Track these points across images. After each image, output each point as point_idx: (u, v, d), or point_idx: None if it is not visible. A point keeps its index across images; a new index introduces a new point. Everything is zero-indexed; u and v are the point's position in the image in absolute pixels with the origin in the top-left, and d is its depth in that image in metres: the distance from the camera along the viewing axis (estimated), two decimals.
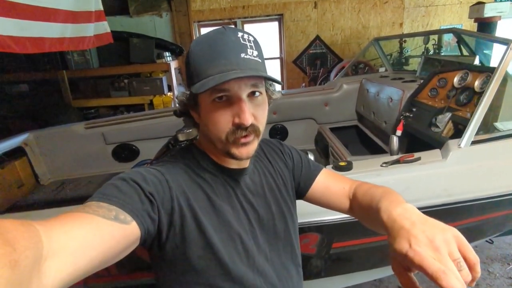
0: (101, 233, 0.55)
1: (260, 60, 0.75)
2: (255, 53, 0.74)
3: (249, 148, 0.76)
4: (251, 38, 0.75)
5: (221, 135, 0.74)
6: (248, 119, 0.71)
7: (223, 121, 0.72)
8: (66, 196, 2.57)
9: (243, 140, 0.74)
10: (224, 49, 0.71)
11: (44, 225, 0.48)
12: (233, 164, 0.83)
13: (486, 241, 2.19)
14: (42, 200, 2.53)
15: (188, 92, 0.76)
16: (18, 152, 2.66)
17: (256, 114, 0.74)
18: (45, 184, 2.82)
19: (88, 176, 2.92)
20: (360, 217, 0.88)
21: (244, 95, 0.72)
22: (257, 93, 0.74)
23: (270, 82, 0.80)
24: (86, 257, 0.51)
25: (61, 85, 4.23)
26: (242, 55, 0.71)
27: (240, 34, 0.73)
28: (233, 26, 0.78)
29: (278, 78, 5.61)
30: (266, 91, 0.80)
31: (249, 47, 0.73)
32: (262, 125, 0.77)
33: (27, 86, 4.44)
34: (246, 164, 0.87)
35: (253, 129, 0.74)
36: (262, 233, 0.84)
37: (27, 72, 4.30)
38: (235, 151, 0.75)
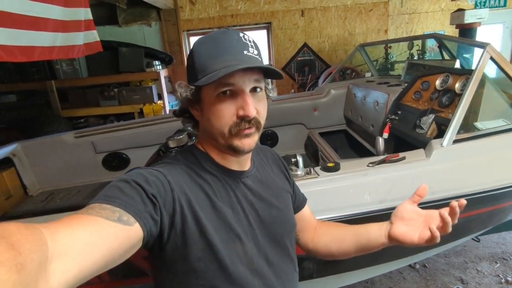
0: (105, 234, 0.55)
1: (260, 59, 0.79)
2: (256, 52, 0.79)
3: (251, 140, 0.79)
4: (251, 39, 0.80)
5: (224, 128, 0.76)
6: (253, 111, 0.74)
7: (228, 113, 0.75)
8: (55, 207, 2.54)
9: (246, 132, 0.76)
10: (228, 46, 0.75)
11: (48, 227, 0.48)
12: (234, 165, 0.84)
13: (473, 239, 2.24)
14: (30, 211, 2.49)
15: (193, 87, 0.78)
16: (6, 163, 2.63)
17: (258, 108, 0.77)
18: (33, 195, 2.79)
19: (78, 186, 2.89)
20: (328, 244, 1.02)
21: (247, 89, 0.75)
22: (258, 89, 0.78)
23: (268, 81, 0.84)
24: (91, 258, 0.51)
25: (49, 95, 4.20)
26: (245, 52, 0.76)
27: (241, 35, 0.78)
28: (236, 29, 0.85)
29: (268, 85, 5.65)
30: (265, 89, 0.83)
31: (250, 46, 0.78)
32: (263, 119, 0.80)
33: (14, 97, 4.39)
34: (247, 166, 0.88)
35: (255, 122, 0.77)
36: (263, 236, 0.84)
37: (14, 83, 4.26)
38: (238, 143, 0.77)
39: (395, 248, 1.76)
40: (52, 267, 0.44)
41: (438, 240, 0.78)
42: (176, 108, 0.89)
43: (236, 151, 0.79)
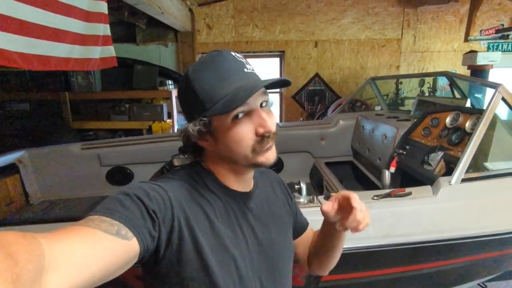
0: (102, 247, 0.55)
1: (256, 72, 0.80)
2: (251, 67, 0.78)
3: (273, 152, 0.79)
4: (241, 55, 0.80)
5: (247, 150, 0.75)
6: (272, 126, 0.75)
7: (248, 135, 0.74)
8: (54, 217, 2.52)
9: (267, 146, 0.76)
10: (229, 68, 0.74)
11: (46, 237, 0.48)
12: (238, 186, 0.83)
13: (479, 285, 2.14)
14: (29, 219, 2.47)
15: (206, 119, 0.75)
16: (11, 169, 2.63)
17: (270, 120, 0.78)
18: (34, 203, 2.77)
19: (79, 198, 2.87)
20: (317, 254, 1.02)
21: (258, 105, 0.75)
22: (264, 103, 0.77)
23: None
24: (87, 271, 0.51)
25: (62, 106, 4.28)
26: (245, 70, 0.76)
27: (233, 54, 0.77)
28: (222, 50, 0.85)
29: (277, 112, 5.73)
30: None
31: (245, 63, 0.77)
32: (275, 129, 0.80)
33: (28, 105, 4.48)
34: (250, 187, 0.87)
35: (273, 134, 0.77)
36: (260, 259, 0.82)
37: (30, 92, 4.35)
38: (263, 159, 0.77)
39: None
40: (48, 278, 0.44)
41: (361, 224, 0.75)
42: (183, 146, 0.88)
43: (263, 166, 0.79)
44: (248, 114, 0.74)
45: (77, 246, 0.51)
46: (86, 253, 0.52)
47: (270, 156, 0.78)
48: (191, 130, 0.77)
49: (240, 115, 0.73)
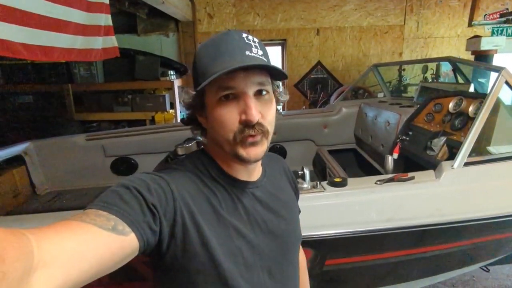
0: (96, 244, 0.53)
1: (266, 60, 0.74)
2: (260, 52, 0.73)
3: (258, 150, 0.73)
4: (256, 40, 0.75)
5: (228, 135, 0.72)
6: (255, 115, 0.69)
7: (230, 119, 0.71)
8: (60, 207, 2.55)
9: (250, 140, 0.72)
10: (228, 48, 0.71)
11: (36, 234, 0.47)
12: (242, 175, 0.81)
13: (482, 268, 2.16)
14: (36, 210, 2.51)
15: (193, 92, 0.75)
16: (17, 161, 2.66)
17: (264, 113, 0.73)
18: (41, 194, 2.81)
19: (85, 188, 2.91)
20: None
21: (250, 92, 0.71)
22: (264, 92, 0.73)
23: (278, 83, 0.80)
24: (78, 269, 0.49)
25: (65, 98, 4.29)
26: (247, 52, 0.71)
27: (244, 35, 0.74)
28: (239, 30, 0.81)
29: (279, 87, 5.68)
30: (274, 93, 0.78)
31: (253, 47, 0.73)
32: (270, 125, 0.75)
33: (31, 98, 4.50)
34: (256, 175, 0.84)
35: (260, 129, 0.72)
36: (270, 248, 0.81)
37: (33, 84, 4.37)
38: (243, 152, 0.72)
39: (401, 271, 1.70)
40: (36, 276, 0.43)
41: None
42: (186, 116, 0.87)
43: (242, 161, 0.74)
44: (237, 98, 0.71)
45: (68, 242, 0.50)
46: (78, 250, 0.50)
47: (252, 152, 0.73)
48: (182, 101, 0.79)
49: (230, 97, 0.71)
